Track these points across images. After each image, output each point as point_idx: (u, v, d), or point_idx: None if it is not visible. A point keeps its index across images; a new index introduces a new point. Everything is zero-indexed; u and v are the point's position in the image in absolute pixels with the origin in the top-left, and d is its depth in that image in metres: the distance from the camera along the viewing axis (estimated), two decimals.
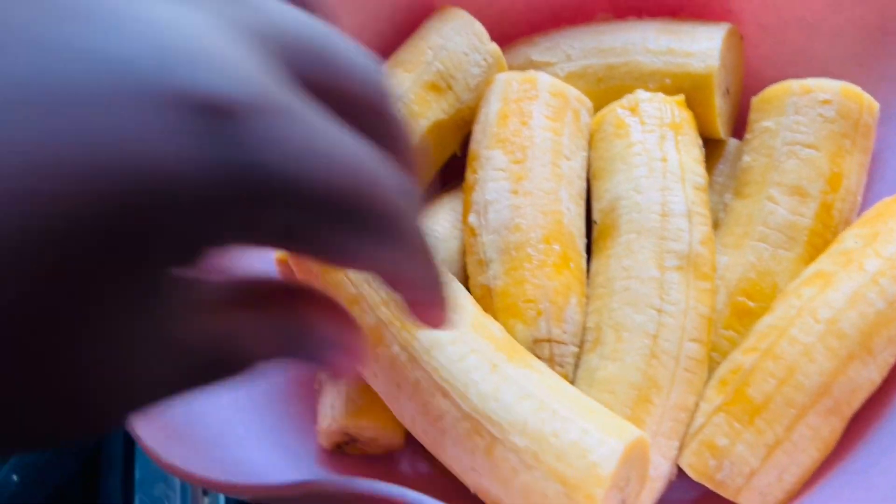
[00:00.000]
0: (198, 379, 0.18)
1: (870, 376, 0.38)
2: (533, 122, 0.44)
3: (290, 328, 0.20)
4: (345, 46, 0.19)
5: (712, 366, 0.42)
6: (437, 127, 0.47)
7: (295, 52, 0.18)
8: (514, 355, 0.37)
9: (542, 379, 0.36)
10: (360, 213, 0.18)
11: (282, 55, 0.17)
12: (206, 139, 0.15)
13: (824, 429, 0.38)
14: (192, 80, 0.16)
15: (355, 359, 0.21)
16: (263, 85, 0.16)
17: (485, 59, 0.48)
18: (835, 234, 0.43)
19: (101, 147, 0.15)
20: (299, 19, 0.18)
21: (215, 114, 0.16)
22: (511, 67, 0.50)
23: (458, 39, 0.47)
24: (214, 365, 0.18)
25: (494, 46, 0.48)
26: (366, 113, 0.20)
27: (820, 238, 0.43)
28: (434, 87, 0.47)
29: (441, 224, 0.48)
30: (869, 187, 0.46)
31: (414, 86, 0.47)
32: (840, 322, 0.38)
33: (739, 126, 0.50)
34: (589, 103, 0.47)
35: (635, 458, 0.35)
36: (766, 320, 0.40)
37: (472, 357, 0.36)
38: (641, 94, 0.45)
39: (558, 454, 0.34)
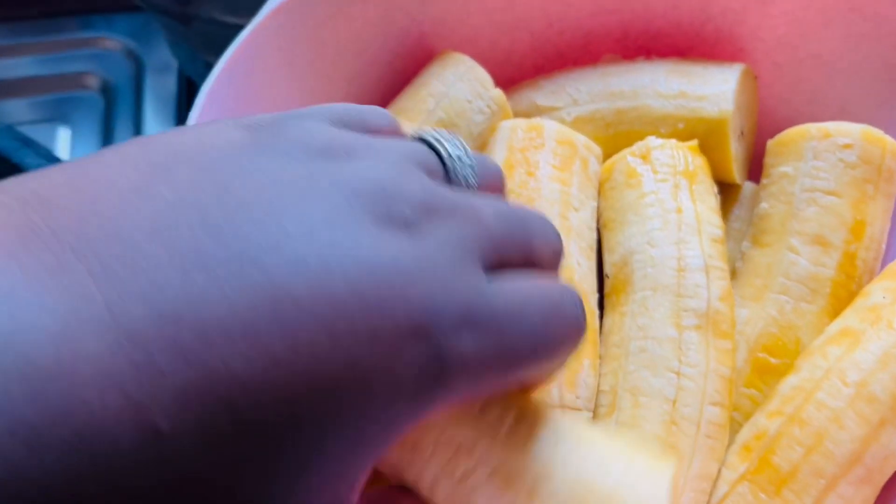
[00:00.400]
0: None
1: None
2: (540, 172, 0.42)
3: None
4: (540, 228, 0.26)
5: (733, 426, 0.40)
6: None
7: (503, 249, 0.23)
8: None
9: (570, 424, 0.34)
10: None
11: (491, 259, 0.22)
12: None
13: (856, 499, 0.36)
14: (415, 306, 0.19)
15: None
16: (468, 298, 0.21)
17: (488, 106, 0.46)
18: (859, 284, 0.41)
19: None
20: (503, 216, 0.23)
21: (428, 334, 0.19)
22: (516, 113, 0.48)
23: (460, 86, 0.46)
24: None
25: (498, 92, 0.46)
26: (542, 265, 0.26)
27: (844, 289, 0.41)
28: None
29: None
30: (893, 233, 0.44)
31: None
32: (870, 385, 0.36)
33: (754, 168, 0.48)
34: (598, 150, 0.45)
35: (672, 490, 0.33)
36: (791, 381, 0.38)
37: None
38: (653, 141, 0.43)
39: (603, 497, 0.31)
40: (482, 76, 0.46)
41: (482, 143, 0.46)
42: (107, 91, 0.71)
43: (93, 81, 0.72)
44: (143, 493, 0.16)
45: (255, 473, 0.18)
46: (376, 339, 0.18)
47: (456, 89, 0.46)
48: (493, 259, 0.22)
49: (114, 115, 0.70)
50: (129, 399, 0.16)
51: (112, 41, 0.74)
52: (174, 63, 0.70)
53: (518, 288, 0.22)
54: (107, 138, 0.69)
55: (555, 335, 0.24)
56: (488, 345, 0.21)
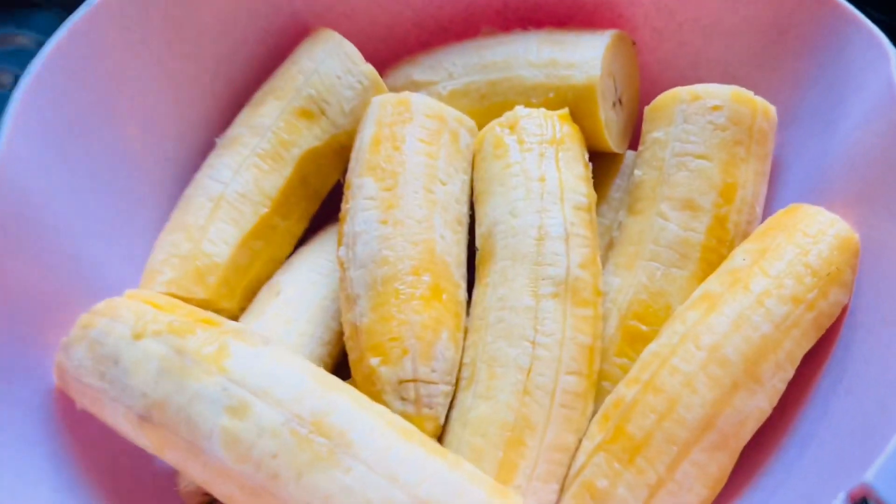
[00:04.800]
0: None
1: (758, 405, 0.35)
2: (406, 146, 0.42)
3: None
4: None
5: (604, 395, 0.39)
6: (313, 154, 0.45)
7: None
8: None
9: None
10: None
11: None
12: None
13: (711, 465, 0.35)
14: None
15: None
16: None
17: (359, 82, 0.45)
18: (730, 248, 0.40)
19: None
20: None
21: None
22: (393, 88, 0.47)
23: (330, 62, 0.45)
24: None
25: (369, 67, 0.45)
26: None
27: (714, 254, 0.40)
28: (305, 114, 0.44)
29: (325, 258, 0.45)
30: (772, 196, 0.44)
31: (284, 113, 0.44)
32: (723, 348, 0.35)
33: (638, 137, 0.47)
34: (470, 122, 0.44)
35: None
36: (651, 347, 0.37)
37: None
38: (521, 111, 0.43)
39: None
40: (352, 52, 0.45)
41: (356, 119, 0.45)
42: None
43: (6, 79, 0.71)
44: None
45: None
46: None
47: (326, 66, 0.45)
48: None
49: None
50: None
51: (26, 38, 0.73)
52: None
53: None
54: None
55: None
56: None
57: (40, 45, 0.73)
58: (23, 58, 0.72)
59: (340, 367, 0.44)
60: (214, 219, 0.42)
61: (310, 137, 0.44)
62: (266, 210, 0.43)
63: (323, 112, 0.45)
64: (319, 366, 0.42)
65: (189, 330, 0.35)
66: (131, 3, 0.40)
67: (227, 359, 0.34)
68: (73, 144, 0.38)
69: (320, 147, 0.45)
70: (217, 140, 0.45)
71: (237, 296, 0.44)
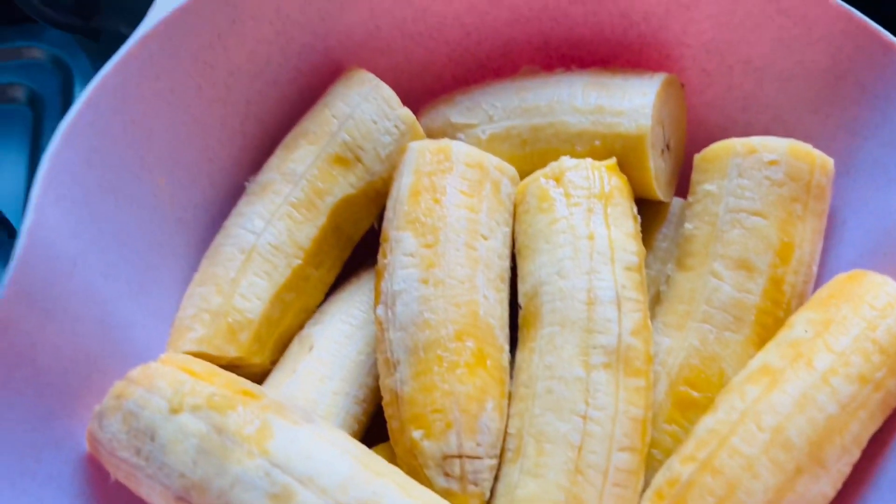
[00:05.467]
0: None
1: (822, 490, 0.33)
2: (446, 198, 0.40)
3: None
4: None
5: (653, 465, 0.38)
6: (348, 202, 0.43)
7: None
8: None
9: None
10: None
11: None
12: None
13: None
14: None
15: None
16: None
17: (396, 126, 0.43)
18: (787, 311, 0.39)
19: None
20: None
21: None
22: (429, 131, 0.45)
23: (365, 106, 0.43)
24: None
25: (406, 111, 0.43)
26: None
27: (770, 317, 0.39)
28: (340, 161, 0.42)
29: (358, 308, 0.44)
30: (827, 250, 0.42)
31: (318, 160, 0.42)
32: (787, 430, 0.33)
33: (684, 182, 0.45)
34: (512, 171, 0.42)
35: None
36: (707, 422, 0.36)
37: None
38: (567, 162, 0.41)
39: None
40: (388, 95, 0.43)
41: (392, 165, 0.43)
42: (35, 103, 0.69)
43: (20, 93, 0.69)
44: None
45: None
46: None
47: (361, 110, 0.43)
48: None
49: (43, 128, 0.67)
50: None
51: (39, 51, 0.71)
52: None
53: None
54: (35, 151, 0.66)
55: None
56: None
57: (53, 58, 0.71)
58: (34, 71, 0.70)
59: (374, 425, 0.42)
60: (246, 272, 0.41)
61: (344, 185, 0.42)
62: (299, 262, 0.42)
63: (358, 159, 0.43)
64: (354, 426, 0.41)
65: (229, 405, 0.34)
66: (161, 50, 0.38)
67: (270, 440, 0.32)
68: (101, 202, 0.37)
69: (355, 195, 0.43)
70: (247, 184, 0.43)
71: (268, 350, 0.42)
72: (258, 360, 0.41)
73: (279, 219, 0.42)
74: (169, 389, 0.34)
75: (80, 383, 0.35)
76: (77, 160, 0.34)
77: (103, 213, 0.37)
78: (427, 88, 0.48)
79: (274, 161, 0.43)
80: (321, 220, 0.42)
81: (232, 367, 0.40)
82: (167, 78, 0.39)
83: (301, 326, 0.43)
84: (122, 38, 0.37)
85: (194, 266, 0.42)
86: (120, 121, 0.37)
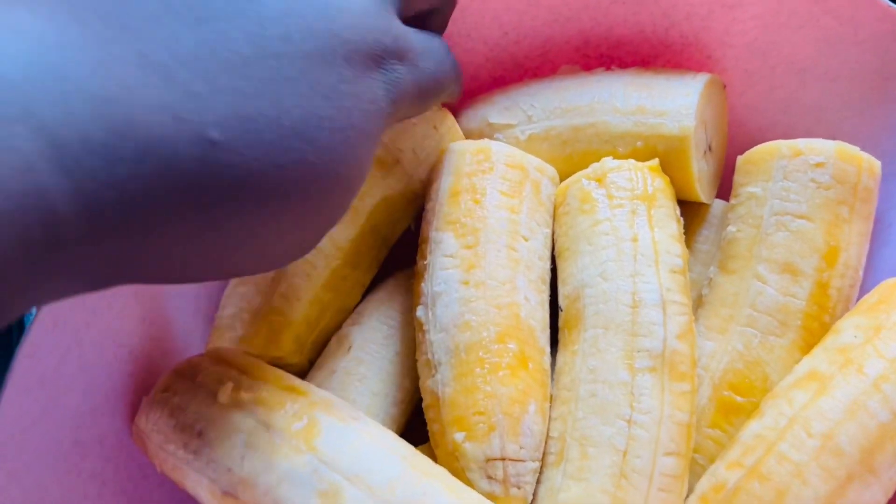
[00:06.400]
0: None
1: (873, 498, 0.33)
2: (487, 199, 0.39)
3: None
4: None
5: (696, 470, 0.37)
6: (386, 203, 0.43)
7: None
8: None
9: None
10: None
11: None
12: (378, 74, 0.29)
13: None
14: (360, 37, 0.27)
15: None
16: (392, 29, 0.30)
17: (435, 127, 0.43)
18: (833, 315, 0.38)
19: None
20: None
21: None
22: (468, 132, 0.45)
23: None
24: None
25: (444, 113, 0.43)
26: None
27: (816, 322, 0.38)
28: (380, 163, 0.42)
29: (396, 308, 0.43)
30: (873, 254, 0.41)
31: None
32: (837, 437, 0.33)
33: (726, 184, 0.45)
34: (552, 171, 0.42)
35: None
36: (754, 428, 0.35)
37: None
38: (609, 163, 0.40)
39: None
40: None
41: (430, 166, 0.43)
42: None
43: None
44: (199, 190, 0.23)
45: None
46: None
47: None
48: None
49: None
50: (181, 120, 0.22)
51: None
52: None
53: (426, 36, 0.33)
54: None
55: (451, 70, 0.35)
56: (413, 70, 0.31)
57: None
58: None
59: (411, 424, 0.42)
60: (285, 272, 0.40)
61: (384, 186, 0.42)
62: (338, 262, 0.41)
63: (397, 161, 0.42)
64: (392, 427, 0.41)
65: (277, 401, 0.33)
66: None
67: (318, 436, 0.32)
68: None
69: (394, 196, 0.43)
70: None
71: (307, 350, 0.42)
72: (296, 359, 0.41)
73: None
74: (216, 384, 0.34)
75: (123, 380, 0.35)
76: None
77: None
78: (465, 89, 0.47)
79: None
80: (360, 220, 0.42)
81: (270, 364, 0.40)
82: None
83: (338, 326, 0.43)
84: None
85: None
86: None
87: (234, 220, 0.24)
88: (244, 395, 0.33)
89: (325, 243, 0.41)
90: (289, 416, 0.33)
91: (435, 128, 0.43)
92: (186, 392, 0.34)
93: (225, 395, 0.33)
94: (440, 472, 0.33)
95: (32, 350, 0.31)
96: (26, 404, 0.31)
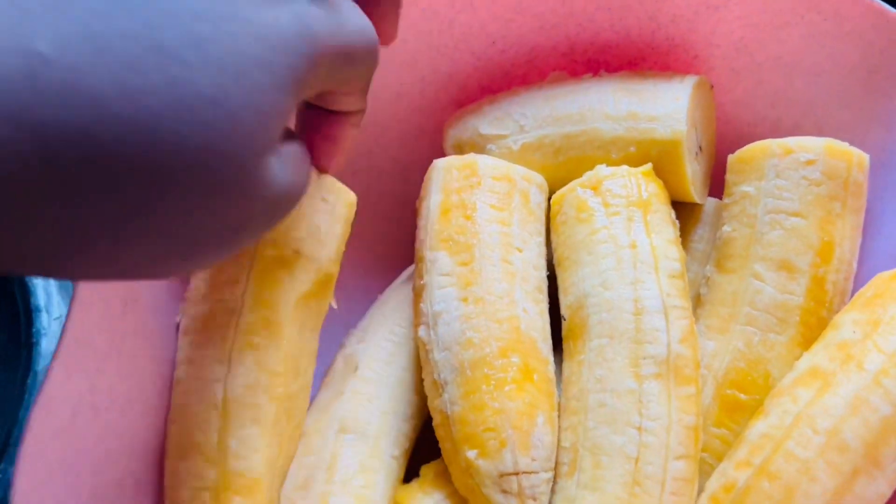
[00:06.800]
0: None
1: (879, 490, 0.34)
2: (477, 214, 0.40)
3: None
4: None
5: (704, 468, 0.38)
6: (305, 300, 0.37)
7: None
8: None
9: None
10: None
11: None
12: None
13: None
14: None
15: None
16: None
17: (324, 199, 0.37)
18: (830, 310, 0.39)
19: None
20: None
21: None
22: (460, 142, 0.45)
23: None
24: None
25: (326, 178, 0.36)
26: None
27: (814, 317, 0.39)
28: (281, 264, 0.36)
29: (398, 324, 0.44)
30: (864, 246, 0.42)
31: (251, 273, 0.35)
32: (842, 432, 0.34)
33: (717, 180, 0.45)
34: (539, 179, 0.42)
35: None
36: (760, 427, 0.36)
37: None
38: (603, 170, 0.41)
39: None
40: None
41: (335, 241, 0.37)
42: None
43: None
44: (34, 118, 0.19)
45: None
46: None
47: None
48: None
49: None
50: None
51: None
52: None
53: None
54: None
55: (374, 41, 0.29)
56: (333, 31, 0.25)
57: None
58: None
59: (421, 440, 0.43)
60: (228, 427, 0.35)
61: (295, 289, 0.36)
62: (282, 390, 0.36)
63: (298, 252, 0.36)
64: (405, 444, 0.41)
65: None
66: None
67: None
68: None
69: (309, 291, 0.37)
70: (178, 318, 0.38)
71: (275, 488, 0.37)
72: (269, 496, 0.36)
73: (239, 353, 0.35)
74: None
75: (137, 421, 0.36)
76: None
77: None
78: (453, 99, 0.48)
79: (200, 293, 0.37)
80: (280, 334, 0.35)
81: None
82: None
83: (295, 448, 0.39)
84: None
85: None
86: None
87: (90, 170, 0.20)
88: None
89: (259, 377, 0.35)
90: None
91: (324, 199, 0.36)
92: None
93: None
94: None
95: (47, 402, 0.31)
96: (43, 456, 0.31)
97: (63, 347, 0.31)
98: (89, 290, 0.32)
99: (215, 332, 0.35)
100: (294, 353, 0.36)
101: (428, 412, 0.40)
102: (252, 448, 0.34)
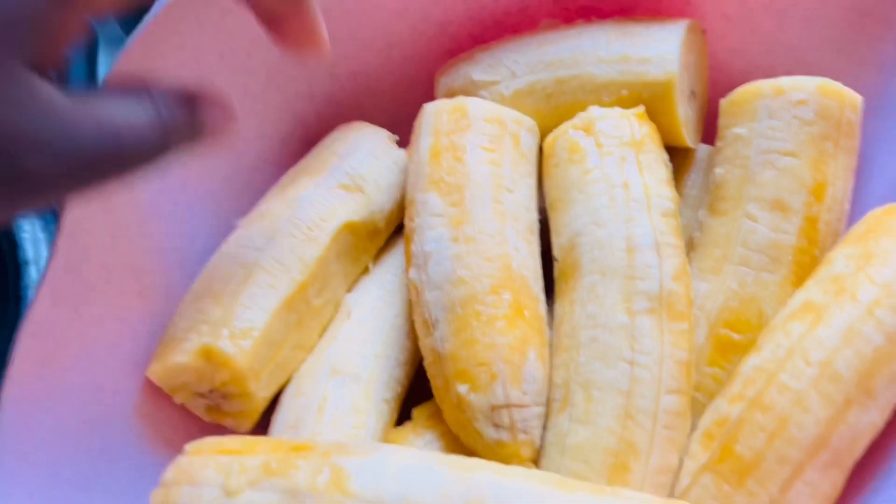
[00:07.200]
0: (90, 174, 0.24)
1: (871, 420, 0.34)
2: (468, 156, 0.40)
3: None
4: None
5: (697, 407, 0.38)
6: (350, 230, 0.42)
7: None
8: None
9: None
10: None
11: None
12: None
13: (824, 484, 0.33)
14: None
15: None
16: None
17: (395, 163, 0.44)
18: (822, 249, 0.39)
19: None
20: None
21: None
22: (452, 90, 0.45)
23: (364, 144, 0.44)
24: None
25: (403, 153, 0.45)
26: None
27: (806, 256, 0.39)
28: (343, 187, 0.42)
29: (393, 273, 0.44)
30: (858, 189, 0.42)
31: (319, 188, 0.42)
32: (835, 363, 0.33)
33: (709, 129, 0.45)
34: (530, 122, 0.42)
35: None
36: (753, 361, 0.36)
37: None
38: (595, 111, 0.40)
39: None
40: (386, 134, 0.46)
41: (391, 198, 0.44)
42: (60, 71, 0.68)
43: None
44: None
45: None
46: None
47: (360, 147, 0.44)
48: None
49: None
50: None
51: None
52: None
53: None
54: None
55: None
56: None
57: None
58: None
59: (416, 386, 0.42)
60: (247, 284, 0.38)
61: (347, 211, 0.42)
62: (303, 278, 0.40)
63: (360, 188, 0.43)
64: (398, 388, 0.41)
65: (289, 465, 0.31)
66: (184, 18, 0.37)
67: (348, 481, 0.30)
68: None
69: (358, 223, 0.42)
70: (238, 223, 0.42)
71: (264, 376, 0.38)
72: (254, 386, 0.38)
73: (282, 237, 0.40)
74: (217, 476, 0.31)
75: (124, 355, 0.35)
76: None
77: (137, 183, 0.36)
78: (445, 49, 0.48)
79: (272, 194, 0.43)
80: (325, 239, 0.40)
81: (225, 403, 0.38)
82: (191, 47, 0.38)
83: (296, 367, 0.40)
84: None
85: (222, 236, 0.42)
86: (168, 61, 0.36)
87: None
88: (253, 475, 0.30)
89: (291, 257, 0.39)
90: (308, 474, 0.30)
91: (395, 163, 0.44)
92: (191, 497, 0.31)
93: (234, 482, 0.30)
94: (479, 462, 0.31)
95: (34, 329, 0.31)
96: (31, 384, 0.31)
97: (49, 275, 0.31)
98: (76, 221, 0.32)
99: (268, 220, 0.41)
100: (325, 270, 0.41)
101: (422, 358, 0.39)
102: (260, 307, 0.38)
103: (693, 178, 0.45)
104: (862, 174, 0.42)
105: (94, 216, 0.33)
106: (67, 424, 0.32)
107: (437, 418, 0.39)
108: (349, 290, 0.43)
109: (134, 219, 0.36)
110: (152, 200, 0.38)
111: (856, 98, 0.40)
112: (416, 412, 0.40)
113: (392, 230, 0.45)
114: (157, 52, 0.37)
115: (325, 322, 0.42)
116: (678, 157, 0.45)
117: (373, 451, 0.31)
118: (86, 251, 0.33)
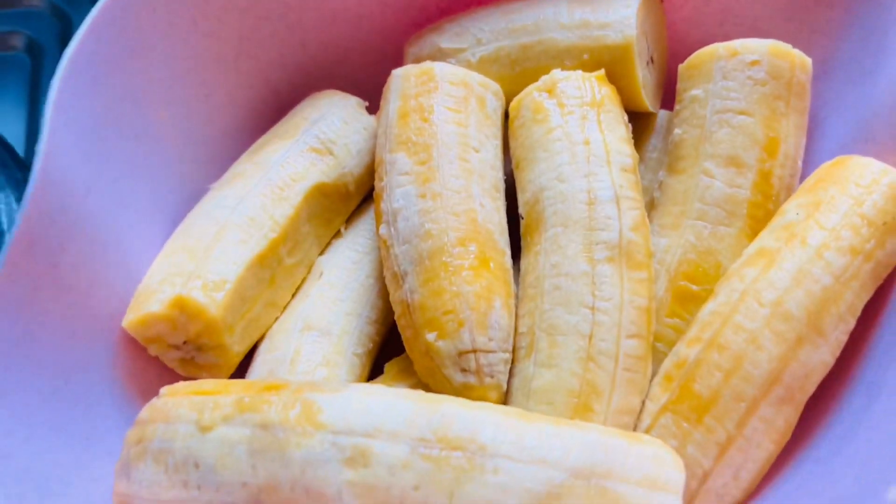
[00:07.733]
0: None
1: (822, 358, 0.35)
2: (434, 116, 0.41)
3: None
4: None
5: (658, 357, 0.39)
6: (320, 192, 0.44)
7: None
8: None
9: None
10: None
11: None
12: None
13: (778, 419, 0.35)
14: None
15: None
16: None
17: (364, 128, 0.46)
18: (776, 203, 0.40)
19: None
20: None
21: None
22: (419, 58, 0.46)
23: (335, 110, 0.46)
24: None
25: (373, 119, 0.46)
26: None
27: (761, 209, 0.40)
28: (313, 150, 0.44)
29: (364, 236, 0.45)
30: (809, 147, 0.43)
31: (290, 152, 0.43)
32: (786, 303, 0.35)
33: (669, 96, 0.47)
34: (495, 86, 0.44)
35: None
36: (709, 307, 0.37)
37: None
38: (558, 74, 0.42)
39: None
40: (356, 101, 0.47)
41: (361, 161, 0.46)
42: (33, 51, 0.68)
43: (18, 41, 0.68)
44: None
45: None
46: None
47: (331, 113, 0.46)
48: None
49: (41, 76, 0.66)
50: None
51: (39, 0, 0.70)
52: None
53: None
54: (34, 99, 0.65)
55: None
56: None
57: (52, 7, 0.70)
58: (33, 20, 0.69)
59: (387, 344, 0.43)
60: (221, 240, 0.39)
61: (317, 173, 0.43)
62: (275, 235, 0.41)
63: (330, 151, 0.44)
64: (369, 344, 0.42)
65: (261, 400, 0.32)
66: None
67: (319, 414, 0.31)
68: (108, 130, 0.37)
69: (328, 185, 0.44)
70: (211, 186, 0.43)
71: (237, 330, 0.39)
72: (228, 339, 0.39)
73: (254, 196, 0.41)
74: (191, 413, 0.32)
75: (99, 305, 0.36)
76: (83, 87, 0.35)
77: (111, 142, 0.37)
78: (413, 21, 0.49)
79: (244, 157, 0.44)
80: (296, 199, 0.42)
81: (199, 355, 0.39)
82: (164, 10, 0.39)
83: (268, 324, 0.41)
84: None
85: (195, 199, 0.42)
86: (120, 52, 0.37)
87: None
88: (226, 411, 0.31)
89: (263, 216, 0.41)
90: (280, 409, 0.31)
91: (365, 129, 0.46)
92: (164, 434, 0.32)
93: (208, 418, 0.31)
94: (446, 397, 0.33)
95: (9, 272, 0.31)
96: (6, 327, 0.31)
97: (22, 222, 0.32)
98: (49, 171, 0.33)
99: (241, 181, 0.42)
100: (297, 229, 0.42)
101: (393, 318, 0.40)
102: (233, 261, 0.39)
103: (653, 142, 0.46)
104: (813, 134, 0.44)
105: (69, 167, 0.34)
106: (44, 369, 0.33)
107: (409, 372, 0.40)
108: (322, 252, 0.44)
109: (109, 175, 0.37)
110: (127, 159, 0.39)
111: (805, 60, 0.41)
112: (388, 366, 0.41)
113: (363, 195, 0.46)
114: (130, 17, 0.37)
115: (297, 282, 0.43)
116: (639, 122, 0.46)
117: (343, 388, 0.32)
118: (60, 200, 0.33)
